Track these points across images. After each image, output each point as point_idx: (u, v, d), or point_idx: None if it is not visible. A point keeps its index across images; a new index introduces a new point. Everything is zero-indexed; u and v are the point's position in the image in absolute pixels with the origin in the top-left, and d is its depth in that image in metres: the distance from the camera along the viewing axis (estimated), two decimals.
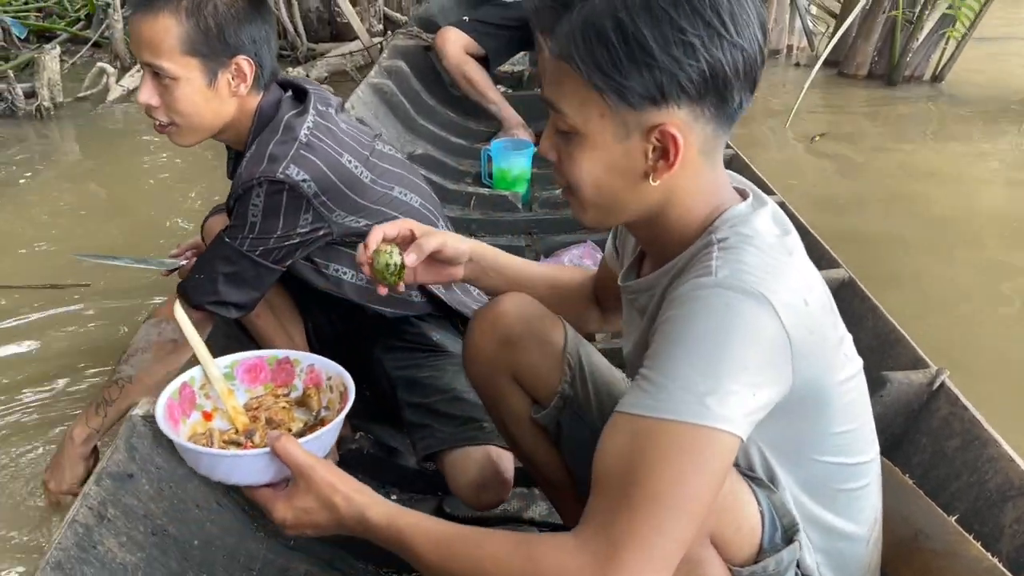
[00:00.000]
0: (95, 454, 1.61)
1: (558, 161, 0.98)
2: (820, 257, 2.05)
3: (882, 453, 1.16)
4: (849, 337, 1.04)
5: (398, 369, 1.70)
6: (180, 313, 1.14)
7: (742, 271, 0.87)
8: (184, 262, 1.85)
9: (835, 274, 1.95)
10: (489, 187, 3.14)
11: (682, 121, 0.90)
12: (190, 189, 3.59)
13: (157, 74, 1.45)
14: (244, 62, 1.47)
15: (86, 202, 3.56)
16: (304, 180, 1.45)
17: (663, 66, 0.86)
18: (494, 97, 3.59)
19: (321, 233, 1.54)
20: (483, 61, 3.59)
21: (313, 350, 1.82)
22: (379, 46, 4.77)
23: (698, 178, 0.96)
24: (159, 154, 4.05)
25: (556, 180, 1.02)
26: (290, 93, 1.59)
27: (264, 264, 1.51)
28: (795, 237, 0.99)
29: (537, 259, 2.67)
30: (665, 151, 0.91)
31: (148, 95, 1.46)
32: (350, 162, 1.54)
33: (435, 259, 1.26)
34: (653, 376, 0.86)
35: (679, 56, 0.86)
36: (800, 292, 0.90)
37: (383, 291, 1.21)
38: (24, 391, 2.23)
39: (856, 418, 1.03)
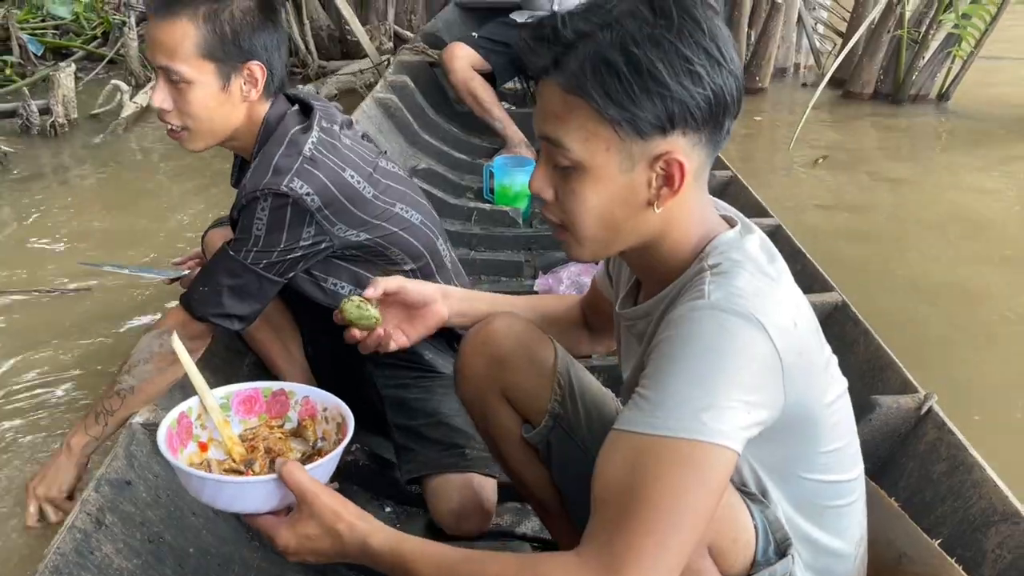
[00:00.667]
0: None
1: (555, 199, 1.00)
2: (814, 280, 2.07)
3: (869, 476, 1.18)
4: (834, 359, 1.07)
5: (388, 387, 1.72)
6: (177, 343, 1.16)
7: (735, 294, 0.91)
8: (186, 272, 1.88)
9: (828, 298, 1.97)
10: (490, 202, 3.18)
11: (682, 148, 0.94)
12: (197, 205, 3.64)
13: (172, 79, 1.48)
14: (257, 67, 1.51)
15: (95, 216, 3.61)
16: (308, 194, 1.48)
17: (675, 95, 0.90)
18: (499, 114, 3.61)
19: (323, 246, 1.56)
20: (489, 78, 3.63)
21: (310, 363, 1.85)
22: (387, 63, 4.82)
23: (691, 203, 1.00)
24: (168, 171, 4.11)
25: (546, 219, 1.04)
26: (296, 107, 1.62)
27: (267, 277, 1.53)
28: (782, 262, 1.02)
29: (536, 275, 2.69)
30: (669, 178, 0.95)
31: (162, 99, 1.50)
32: (352, 177, 1.57)
33: (408, 306, 1.31)
34: (649, 394, 0.88)
35: (688, 85, 0.90)
36: (790, 315, 0.94)
37: (359, 334, 1.27)
38: (23, 395, 2.26)
39: (842, 437, 1.06)
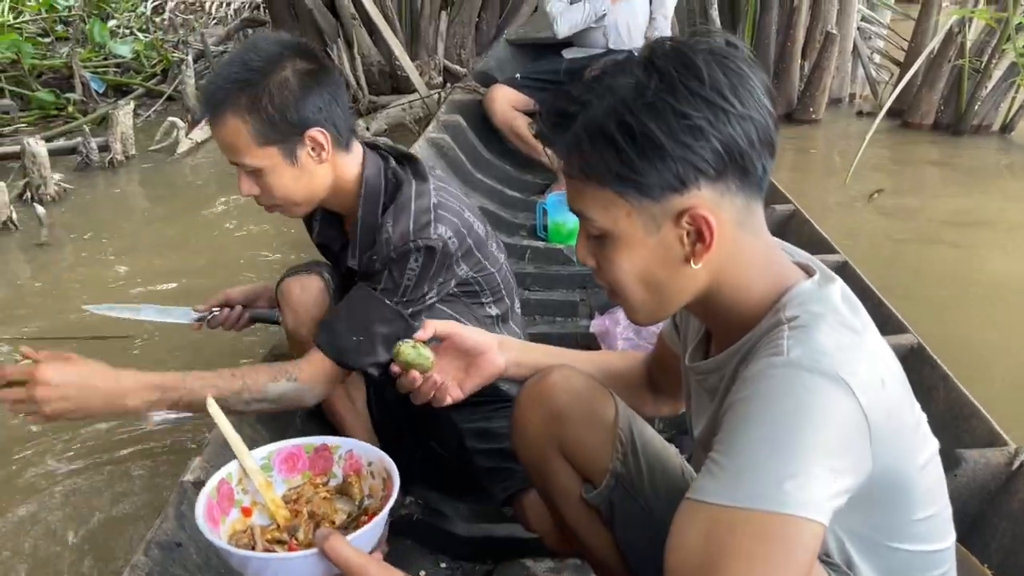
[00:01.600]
0: None
1: (597, 267, 0.98)
2: (886, 321, 1.98)
3: (956, 539, 1.09)
4: (924, 416, 1.00)
5: (467, 421, 1.69)
6: (214, 406, 1.13)
7: (816, 351, 0.84)
8: (216, 312, 1.82)
9: (903, 340, 1.88)
10: (544, 240, 3.14)
11: (708, 200, 0.89)
12: (252, 241, 3.68)
13: (246, 170, 1.49)
14: (317, 133, 1.49)
15: (149, 252, 3.67)
16: (450, 238, 1.52)
17: (675, 154, 0.86)
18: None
19: (450, 285, 1.59)
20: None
21: (372, 414, 1.81)
22: (437, 97, 4.85)
23: (743, 251, 0.94)
24: (223, 206, 4.17)
25: (599, 285, 1.01)
26: (392, 160, 1.62)
27: (412, 324, 1.53)
28: (865, 314, 0.95)
29: (591, 315, 2.63)
30: (700, 233, 0.90)
31: (247, 188, 1.51)
32: (470, 217, 1.61)
33: (464, 353, 1.27)
34: (725, 461, 0.82)
35: (689, 141, 0.86)
36: (877, 372, 0.87)
37: (415, 375, 1.23)
38: (59, 442, 2.28)
39: (935, 503, 0.98)
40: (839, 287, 0.96)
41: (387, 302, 1.51)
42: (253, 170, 1.48)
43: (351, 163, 1.56)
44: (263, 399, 1.48)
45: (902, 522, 0.95)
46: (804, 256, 1.03)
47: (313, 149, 1.50)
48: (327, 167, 1.53)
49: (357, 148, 1.58)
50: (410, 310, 1.53)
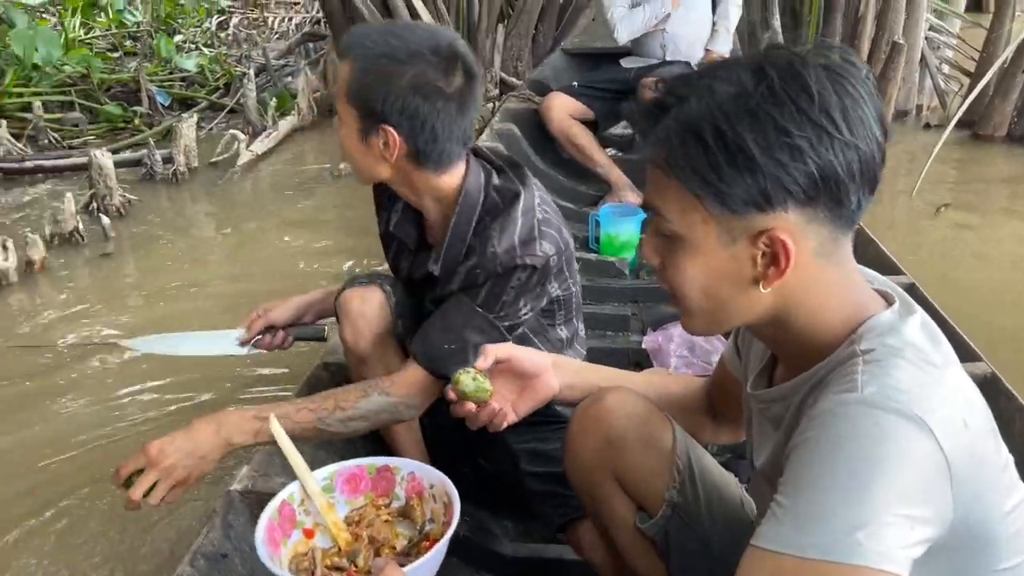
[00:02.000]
0: None
1: (661, 267, 0.93)
2: (957, 349, 1.85)
3: None
4: (1012, 459, 0.93)
5: (521, 442, 1.66)
6: (276, 426, 1.12)
7: (893, 387, 0.79)
8: (260, 336, 1.78)
9: (976, 369, 1.78)
10: (596, 253, 3.09)
11: (793, 225, 0.84)
12: (311, 252, 3.70)
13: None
14: (392, 134, 1.44)
15: (210, 263, 3.73)
16: (552, 255, 1.50)
17: (766, 171, 0.81)
18: (601, 159, 3.58)
19: (542, 303, 1.56)
20: (593, 125, 3.62)
21: (423, 429, 1.78)
22: (491, 107, 4.85)
23: (819, 283, 0.89)
24: (281, 218, 4.21)
25: (660, 285, 0.97)
26: (492, 171, 1.57)
27: (506, 336, 1.50)
28: (947, 347, 0.89)
29: (644, 331, 2.57)
30: (775, 256, 0.85)
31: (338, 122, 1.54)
32: (566, 234, 1.58)
33: (519, 376, 1.23)
34: (792, 506, 0.77)
35: (784, 160, 0.81)
36: (959, 411, 0.81)
37: (471, 406, 1.19)
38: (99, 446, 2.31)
39: (1022, 551, 0.91)
40: (919, 318, 0.90)
41: (481, 312, 1.49)
42: (338, 113, 1.50)
43: (439, 181, 1.51)
44: (357, 416, 1.46)
45: (984, 572, 0.88)
46: (883, 282, 0.97)
47: (385, 144, 1.46)
48: (391, 169, 1.49)
49: (458, 168, 1.52)
50: (508, 323, 1.51)
